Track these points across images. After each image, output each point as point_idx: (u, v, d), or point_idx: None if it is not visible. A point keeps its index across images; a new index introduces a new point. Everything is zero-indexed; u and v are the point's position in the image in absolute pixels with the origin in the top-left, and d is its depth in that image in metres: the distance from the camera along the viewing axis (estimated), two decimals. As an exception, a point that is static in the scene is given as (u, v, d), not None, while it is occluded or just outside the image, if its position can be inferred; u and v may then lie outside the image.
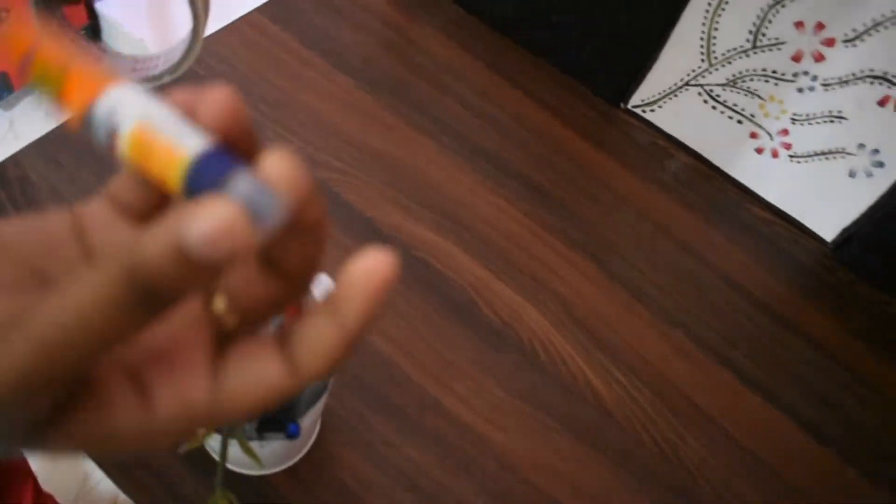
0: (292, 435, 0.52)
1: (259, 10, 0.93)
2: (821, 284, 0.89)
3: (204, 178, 0.18)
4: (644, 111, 0.95)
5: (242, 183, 0.18)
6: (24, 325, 0.18)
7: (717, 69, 0.87)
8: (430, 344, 0.74)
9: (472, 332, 0.76)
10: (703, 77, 0.88)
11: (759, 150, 0.90)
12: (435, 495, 0.66)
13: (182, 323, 0.22)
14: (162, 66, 0.57)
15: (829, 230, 0.90)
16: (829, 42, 0.79)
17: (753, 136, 0.89)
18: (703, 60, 0.87)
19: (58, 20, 0.52)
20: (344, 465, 0.67)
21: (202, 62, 0.85)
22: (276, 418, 0.54)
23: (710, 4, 0.82)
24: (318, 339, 0.21)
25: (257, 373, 0.21)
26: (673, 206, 0.91)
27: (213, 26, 0.90)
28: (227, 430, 0.52)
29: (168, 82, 0.57)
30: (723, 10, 0.82)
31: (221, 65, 0.88)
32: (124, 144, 0.19)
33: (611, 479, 0.70)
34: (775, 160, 0.89)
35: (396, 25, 0.98)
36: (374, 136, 0.86)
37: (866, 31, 0.76)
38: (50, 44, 0.20)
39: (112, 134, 0.20)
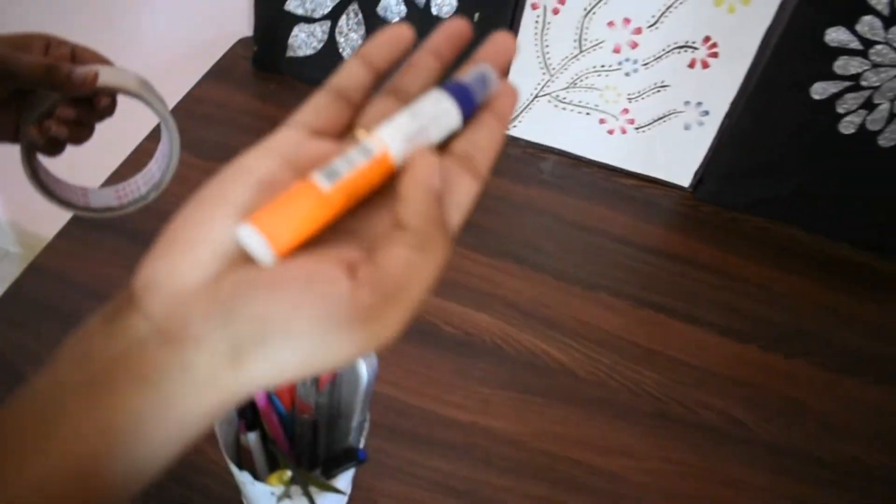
0: (363, 459, 0.60)
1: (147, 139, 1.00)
2: (692, 220, 1.07)
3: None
4: (508, 129, 1.10)
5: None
6: None
7: (557, 77, 1.03)
8: (414, 370, 0.84)
9: (444, 349, 0.86)
10: (548, 87, 1.04)
11: (610, 132, 1.07)
12: (472, 491, 0.76)
13: None
14: (143, 186, 0.65)
15: (684, 178, 1.08)
16: (638, 31, 0.97)
17: (602, 121, 1.06)
18: (543, 74, 1.03)
19: (34, 166, 0.59)
20: (384, 493, 0.75)
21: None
22: (338, 455, 0.63)
23: (536, 25, 0.99)
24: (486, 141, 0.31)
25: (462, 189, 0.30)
26: (558, 198, 1.06)
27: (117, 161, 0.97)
28: (303, 482, 0.59)
29: (153, 200, 0.65)
30: (548, 29, 0.99)
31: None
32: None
33: (600, 424, 0.82)
34: (625, 136, 1.07)
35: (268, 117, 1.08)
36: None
37: (662, 15, 0.95)
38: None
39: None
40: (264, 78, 1.11)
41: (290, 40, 1.06)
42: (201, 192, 0.29)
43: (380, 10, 1.01)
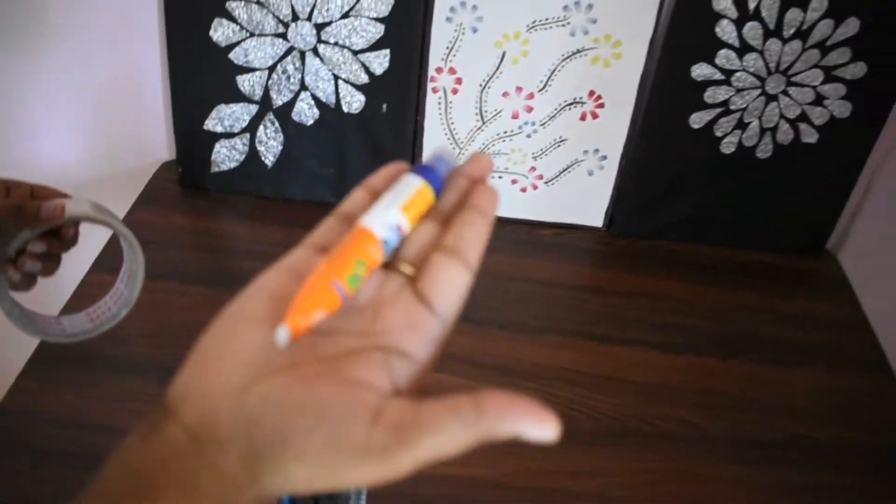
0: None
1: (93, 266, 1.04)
2: (611, 255, 1.17)
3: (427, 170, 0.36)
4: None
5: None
6: None
7: (466, 149, 1.13)
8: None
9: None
10: (459, 159, 1.13)
11: (523, 190, 1.16)
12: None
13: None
14: (114, 306, 0.68)
15: (597, 218, 1.18)
16: (530, 96, 1.08)
17: (514, 182, 1.16)
18: (453, 148, 1.13)
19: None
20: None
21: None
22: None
23: (440, 106, 1.08)
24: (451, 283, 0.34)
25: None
26: (489, 257, 1.13)
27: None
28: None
29: (124, 317, 0.68)
30: (450, 108, 1.09)
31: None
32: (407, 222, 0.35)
33: (571, 452, 0.88)
34: (537, 191, 1.16)
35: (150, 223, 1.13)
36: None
37: (549, 79, 1.06)
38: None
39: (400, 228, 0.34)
40: (193, 195, 1.16)
41: (213, 156, 1.13)
42: (224, 310, 0.33)
43: (294, 115, 1.09)
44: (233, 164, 1.13)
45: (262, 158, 1.13)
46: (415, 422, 0.29)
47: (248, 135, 1.11)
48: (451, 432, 0.29)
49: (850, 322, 1.11)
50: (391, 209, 0.35)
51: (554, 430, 0.29)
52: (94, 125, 1.17)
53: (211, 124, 1.10)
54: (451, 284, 0.34)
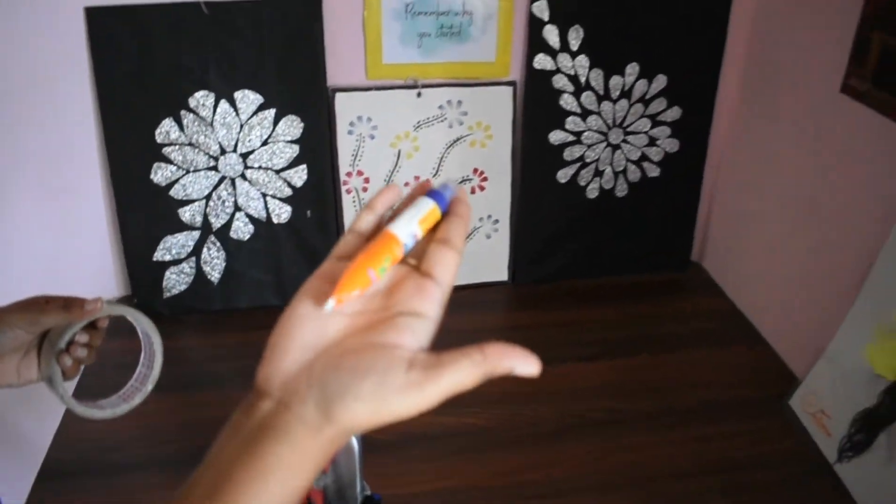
0: (379, 500, 0.79)
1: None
2: (521, 300, 1.37)
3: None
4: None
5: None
6: None
7: (382, 236, 1.33)
8: (377, 473, 1.02)
9: (389, 451, 1.06)
10: (379, 245, 1.33)
11: (436, 261, 1.37)
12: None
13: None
14: (141, 385, 0.82)
15: (502, 273, 1.40)
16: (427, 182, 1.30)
17: (428, 255, 1.36)
18: (372, 236, 1.32)
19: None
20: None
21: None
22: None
23: (354, 204, 1.29)
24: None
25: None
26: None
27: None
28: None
29: (151, 389, 0.82)
30: (364, 204, 1.29)
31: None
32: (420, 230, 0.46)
33: (528, 453, 1.05)
34: (448, 260, 1.37)
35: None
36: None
37: (439, 165, 1.29)
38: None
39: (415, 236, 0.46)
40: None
41: (164, 283, 1.28)
42: (283, 314, 0.44)
43: (232, 234, 1.27)
44: (182, 287, 1.29)
45: (209, 277, 1.29)
46: (438, 363, 0.39)
47: (193, 258, 1.27)
48: (465, 370, 0.40)
49: (724, 311, 1.35)
50: (412, 222, 0.47)
51: (536, 367, 0.40)
52: (45, 272, 1.29)
53: (160, 255, 1.26)
54: (446, 260, 0.44)
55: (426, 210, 0.46)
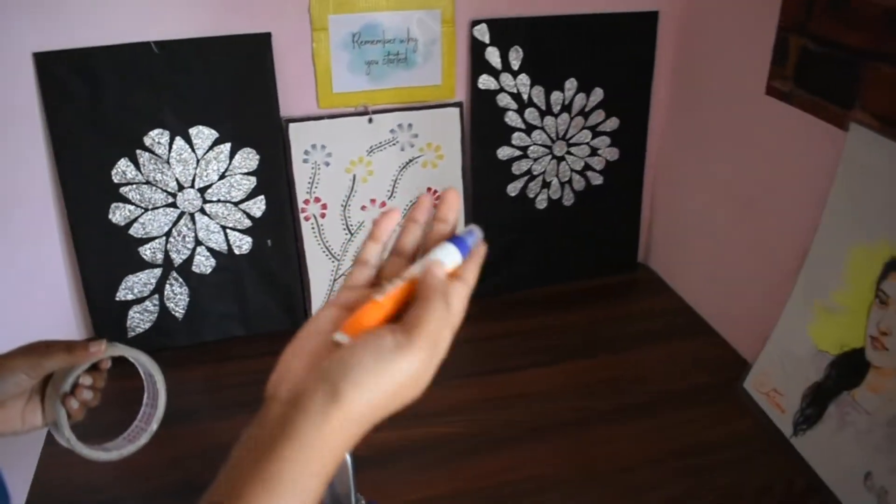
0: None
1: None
2: (480, 314, 1.40)
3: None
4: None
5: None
6: None
7: (342, 260, 1.36)
8: (368, 490, 1.05)
9: (378, 466, 1.08)
10: (339, 270, 1.36)
11: (396, 281, 1.40)
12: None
13: None
14: (146, 424, 0.83)
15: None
16: (383, 204, 1.34)
17: (388, 276, 1.39)
18: (332, 262, 1.35)
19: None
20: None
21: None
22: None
23: (314, 230, 1.32)
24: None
25: None
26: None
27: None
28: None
29: (156, 428, 0.83)
30: (322, 229, 1.32)
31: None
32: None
33: (503, 455, 1.08)
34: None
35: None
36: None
37: (393, 188, 1.33)
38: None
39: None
40: (113, 362, 1.29)
41: (128, 323, 1.28)
42: (297, 333, 0.49)
43: (195, 268, 1.28)
44: (147, 325, 1.29)
45: (173, 313, 1.30)
46: (413, 320, 0.46)
47: (157, 296, 1.28)
48: (434, 298, 0.47)
49: (674, 307, 1.43)
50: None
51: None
52: (5, 319, 1.28)
53: (122, 294, 1.26)
54: (458, 292, 0.50)
55: (452, 264, 0.53)
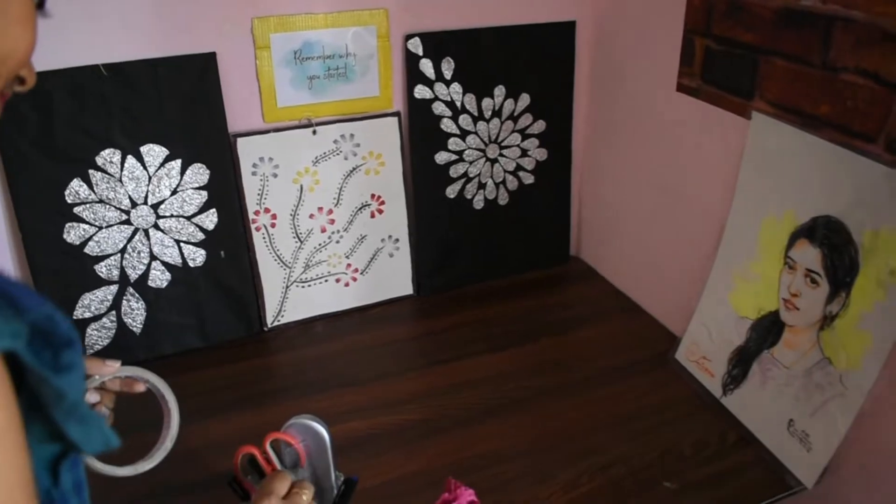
0: (355, 481, 0.88)
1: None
2: (428, 309, 1.50)
3: None
4: (279, 321, 1.44)
5: None
6: None
7: (294, 267, 1.42)
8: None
9: (356, 452, 1.14)
10: (291, 276, 1.42)
11: (346, 285, 1.47)
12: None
13: None
14: (160, 444, 0.86)
15: (407, 288, 1.52)
16: (330, 212, 1.41)
17: (338, 280, 1.46)
18: (284, 269, 1.41)
19: None
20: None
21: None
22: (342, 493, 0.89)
23: (265, 239, 1.37)
24: None
25: None
26: (337, 344, 1.41)
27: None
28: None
29: (171, 447, 0.86)
30: (273, 238, 1.38)
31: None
32: None
33: (464, 434, 1.16)
34: (356, 282, 1.48)
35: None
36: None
37: (339, 195, 1.40)
38: None
39: None
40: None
41: (87, 341, 1.30)
42: None
43: (150, 283, 1.31)
44: (106, 342, 1.32)
45: (131, 328, 1.33)
46: None
47: (114, 312, 1.31)
48: None
49: (606, 293, 1.54)
50: None
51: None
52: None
53: (79, 313, 1.29)
54: None
55: None
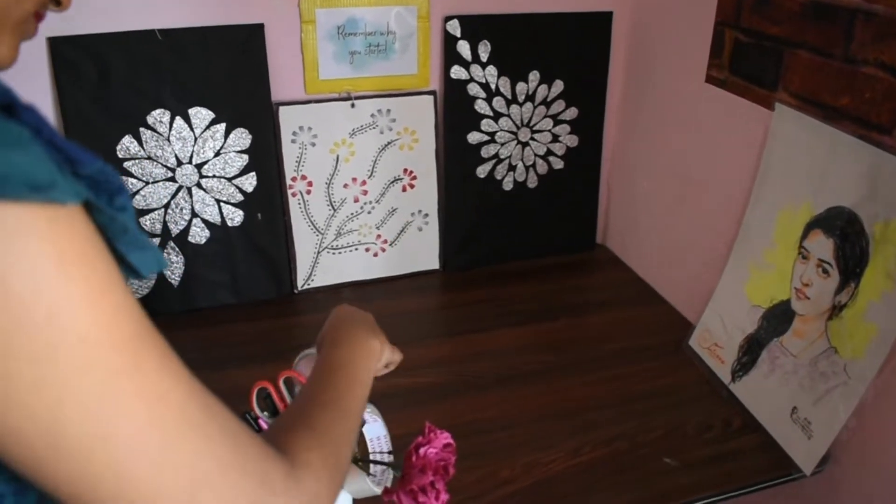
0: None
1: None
2: (454, 283, 1.54)
3: None
4: (309, 285, 1.50)
5: None
6: None
7: (326, 234, 1.48)
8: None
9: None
10: (323, 243, 1.48)
11: (375, 255, 1.53)
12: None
13: None
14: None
15: (434, 262, 1.57)
16: (364, 182, 1.46)
17: (367, 250, 1.52)
18: (316, 235, 1.47)
19: None
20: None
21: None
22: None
23: (300, 205, 1.44)
24: None
25: None
26: (371, 308, 1.46)
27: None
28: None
29: None
30: (308, 205, 1.44)
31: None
32: None
33: (477, 399, 1.21)
34: (385, 253, 1.53)
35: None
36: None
37: (373, 167, 1.46)
38: None
39: None
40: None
41: (128, 290, 1.38)
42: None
43: (190, 238, 1.39)
44: (145, 291, 1.40)
45: (169, 280, 1.40)
46: None
47: (154, 264, 1.38)
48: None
49: (628, 281, 1.57)
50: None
51: None
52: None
53: (123, 263, 1.36)
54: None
55: None
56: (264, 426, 0.98)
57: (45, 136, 0.35)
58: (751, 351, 1.21)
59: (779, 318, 1.17)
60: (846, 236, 1.04)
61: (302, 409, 0.60)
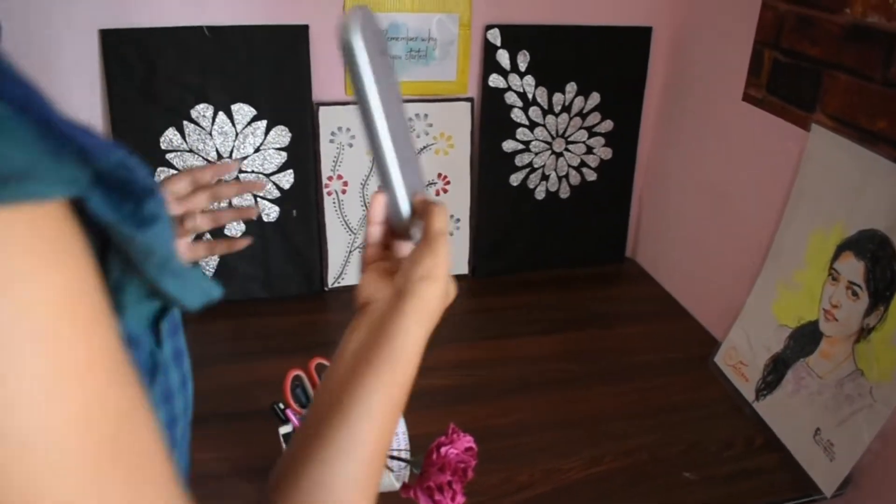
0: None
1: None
2: (482, 290, 1.56)
3: None
4: (339, 283, 1.53)
5: None
6: None
7: (359, 234, 1.50)
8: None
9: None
10: (356, 243, 1.51)
11: (405, 257, 1.54)
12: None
13: None
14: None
15: (463, 268, 1.58)
16: (398, 185, 1.48)
17: (398, 252, 1.54)
18: (349, 235, 1.50)
19: None
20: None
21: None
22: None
23: (335, 204, 1.46)
24: None
25: None
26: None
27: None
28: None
29: None
30: (342, 204, 1.47)
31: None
32: None
33: (497, 404, 1.22)
34: (416, 256, 1.55)
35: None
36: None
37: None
38: None
39: None
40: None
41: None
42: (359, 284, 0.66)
43: (226, 230, 1.42)
44: (180, 282, 1.43)
45: (204, 271, 1.43)
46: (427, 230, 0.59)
47: (190, 255, 1.42)
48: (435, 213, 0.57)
49: (656, 295, 1.57)
50: None
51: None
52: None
53: (160, 252, 1.40)
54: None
55: None
56: (292, 418, 1.00)
57: (36, 114, 0.26)
58: (776, 370, 1.21)
59: (806, 339, 1.16)
60: (877, 259, 1.04)
61: (362, 460, 0.47)
